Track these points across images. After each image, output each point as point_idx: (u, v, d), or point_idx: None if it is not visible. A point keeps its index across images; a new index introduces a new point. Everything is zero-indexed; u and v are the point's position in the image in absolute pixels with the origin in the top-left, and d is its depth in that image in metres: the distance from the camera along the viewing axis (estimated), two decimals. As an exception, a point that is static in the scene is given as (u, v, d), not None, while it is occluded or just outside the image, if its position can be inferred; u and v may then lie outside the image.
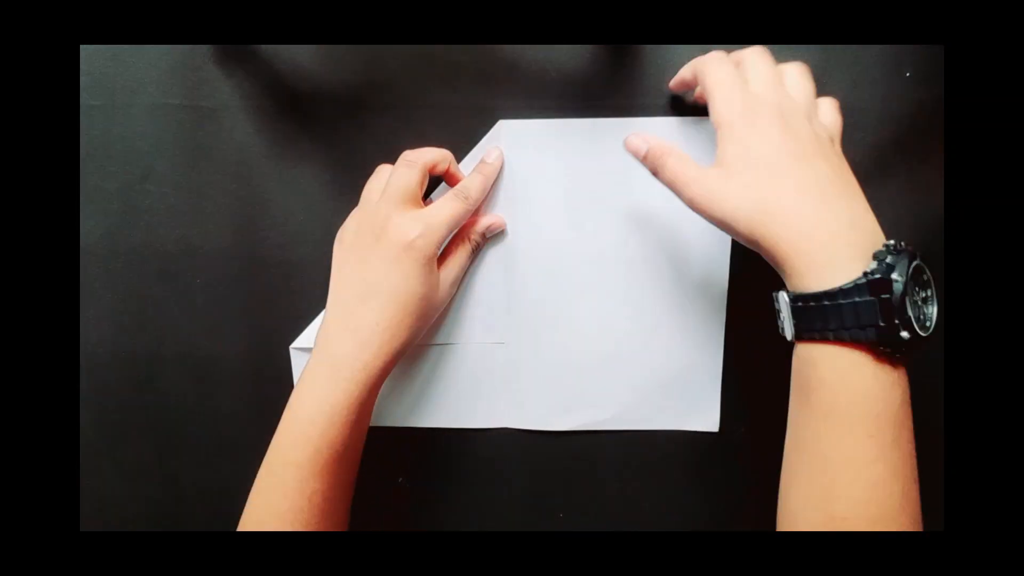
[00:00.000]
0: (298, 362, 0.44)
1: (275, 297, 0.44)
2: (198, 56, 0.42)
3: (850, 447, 0.28)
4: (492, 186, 0.41)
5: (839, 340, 0.28)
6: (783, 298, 0.30)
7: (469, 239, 0.41)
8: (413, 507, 0.45)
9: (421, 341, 0.43)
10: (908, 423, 0.29)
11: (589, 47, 0.41)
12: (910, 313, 0.27)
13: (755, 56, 0.35)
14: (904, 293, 0.27)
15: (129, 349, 0.44)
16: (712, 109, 0.33)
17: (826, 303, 0.28)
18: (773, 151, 0.31)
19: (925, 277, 0.30)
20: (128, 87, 0.42)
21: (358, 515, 0.45)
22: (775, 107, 0.32)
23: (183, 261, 0.43)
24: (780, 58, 0.41)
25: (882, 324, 0.27)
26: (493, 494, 0.45)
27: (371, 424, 0.41)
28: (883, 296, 0.27)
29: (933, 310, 0.29)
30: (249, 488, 0.36)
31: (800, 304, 0.29)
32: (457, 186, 0.40)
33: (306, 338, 0.43)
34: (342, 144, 0.42)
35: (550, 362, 0.43)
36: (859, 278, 0.28)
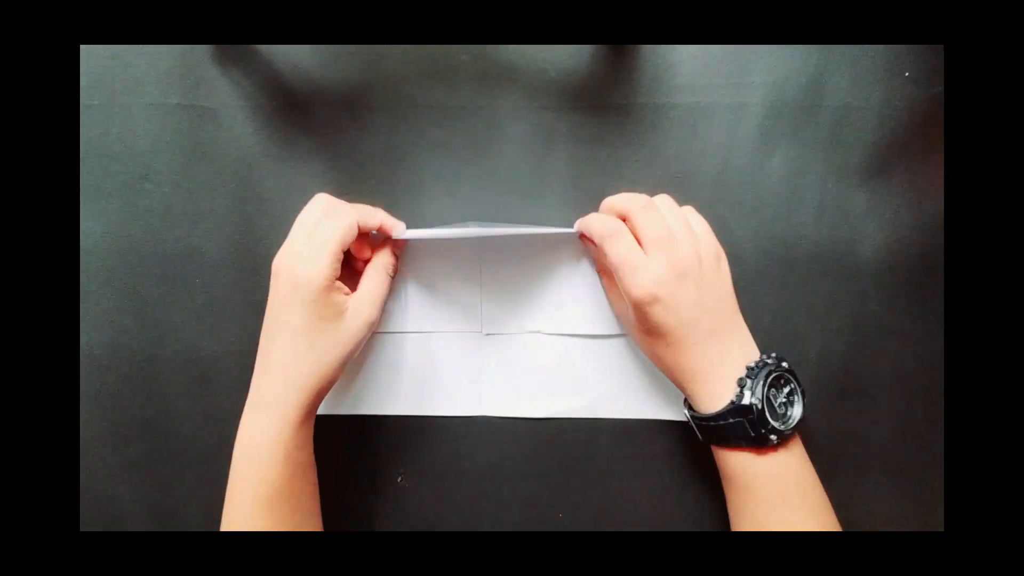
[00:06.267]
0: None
1: (275, 297, 0.43)
2: (197, 56, 0.41)
3: (764, 513, 0.36)
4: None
5: (729, 447, 0.36)
6: (686, 413, 0.39)
7: (384, 268, 0.40)
8: (411, 506, 0.45)
9: (402, 329, 0.43)
10: (806, 476, 0.36)
11: (589, 47, 0.41)
12: (771, 424, 0.34)
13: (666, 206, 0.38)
14: (762, 411, 0.34)
15: (129, 349, 0.44)
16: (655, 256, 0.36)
17: (711, 424, 0.36)
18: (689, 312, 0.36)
19: (782, 381, 0.36)
20: (128, 87, 0.42)
21: (357, 514, 0.45)
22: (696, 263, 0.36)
23: (183, 261, 0.43)
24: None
25: (752, 435, 0.35)
26: (492, 494, 0.45)
27: (358, 413, 0.44)
28: (748, 416, 0.34)
29: (796, 409, 0.36)
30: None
31: (699, 422, 0.37)
32: (343, 204, 0.38)
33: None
34: (342, 144, 0.42)
35: (526, 349, 0.44)
36: (727, 405, 0.35)
